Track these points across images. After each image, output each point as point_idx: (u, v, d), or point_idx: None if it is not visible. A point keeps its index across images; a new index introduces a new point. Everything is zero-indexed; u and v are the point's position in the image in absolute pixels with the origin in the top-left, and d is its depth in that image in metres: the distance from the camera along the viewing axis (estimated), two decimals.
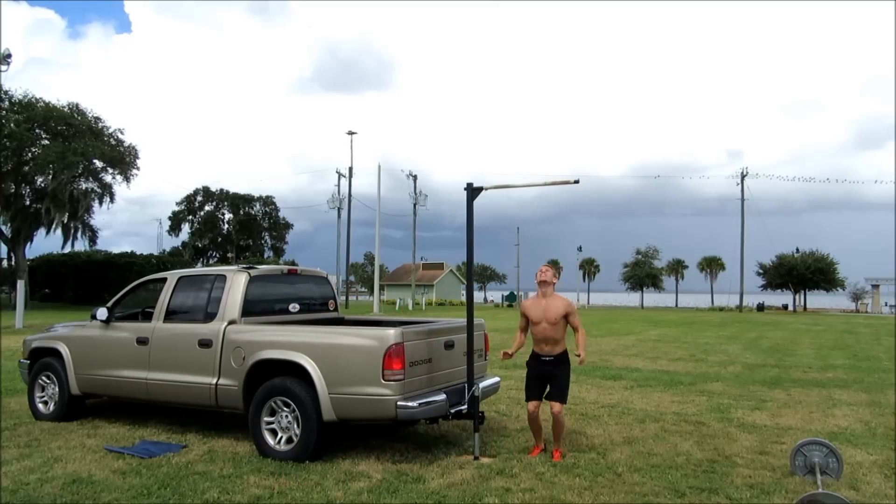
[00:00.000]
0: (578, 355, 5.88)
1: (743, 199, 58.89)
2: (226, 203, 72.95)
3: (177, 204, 71.78)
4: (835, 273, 61.05)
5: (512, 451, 6.01)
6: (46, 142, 37.39)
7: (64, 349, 7.25)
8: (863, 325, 30.08)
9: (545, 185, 6.02)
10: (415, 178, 57.62)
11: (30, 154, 37.23)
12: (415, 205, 58.01)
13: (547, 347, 5.95)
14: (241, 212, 72.97)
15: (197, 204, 72.40)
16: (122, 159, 39.73)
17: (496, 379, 7.02)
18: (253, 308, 6.47)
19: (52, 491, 4.87)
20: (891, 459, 5.94)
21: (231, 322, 6.26)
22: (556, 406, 5.82)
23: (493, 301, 79.65)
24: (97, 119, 39.77)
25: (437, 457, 5.81)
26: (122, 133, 40.29)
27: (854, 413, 8.10)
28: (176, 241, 72.97)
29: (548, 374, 5.95)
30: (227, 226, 73.06)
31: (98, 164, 39.45)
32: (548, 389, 5.94)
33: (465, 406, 5.82)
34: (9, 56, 29.48)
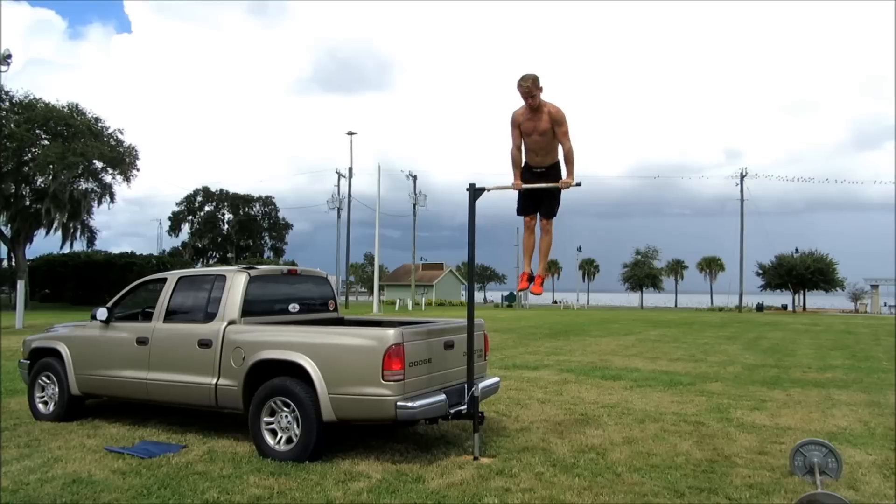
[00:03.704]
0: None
1: (742, 200, 59.02)
2: (226, 203, 72.98)
3: (177, 204, 71.94)
4: (834, 273, 61.14)
5: (512, 451, 6.02)
6: (46, 142, 37.40)
7: (64, 349, 7.26)
8: (862, 326, 30.08)
9: (547, 186, 6.01)
10: (414, 178, 57.70)
11: (30, 154, 37.25)
12: (414, 205, 58.08)
13: (538, 158, 6.02)
14: (241, 212, 72.99)
15: (197, 204, 72.44)
16: (122, 159, 39.76)
17: (496, 379, 7.03)
18: (253, 308, 6.47)
19: (52, 491, 4.87)
20: (890, 459, 5.95)
21: (231, 322, 6.26)
22: (545, 220, 6.13)
23: (492, 301, 79.68)
24: (97, 119, 39.85)
25: (437, 457, 5.82)
26: (121, 133, 40.42)
27: (853, 413, 8.11)
28: (176, 242, 73.09)
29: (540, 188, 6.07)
30: (226, 226, 73.07)
31: (98, 164, 39.46)
32: (540, 209, 6.15)
33: (465, 406, 5.82)
34: (9, 56, 29.40)
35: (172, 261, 49.04)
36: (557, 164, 6.03)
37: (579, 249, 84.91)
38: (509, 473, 5.32)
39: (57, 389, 7.25)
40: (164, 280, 7.06)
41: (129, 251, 49.88)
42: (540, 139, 5.90)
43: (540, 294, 6.50)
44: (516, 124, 5.98)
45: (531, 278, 6.37)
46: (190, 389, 6.28)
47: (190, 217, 72.38)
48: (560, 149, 5.99)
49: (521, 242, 6.51)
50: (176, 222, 71.69)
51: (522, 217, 6.31)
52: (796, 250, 62.69)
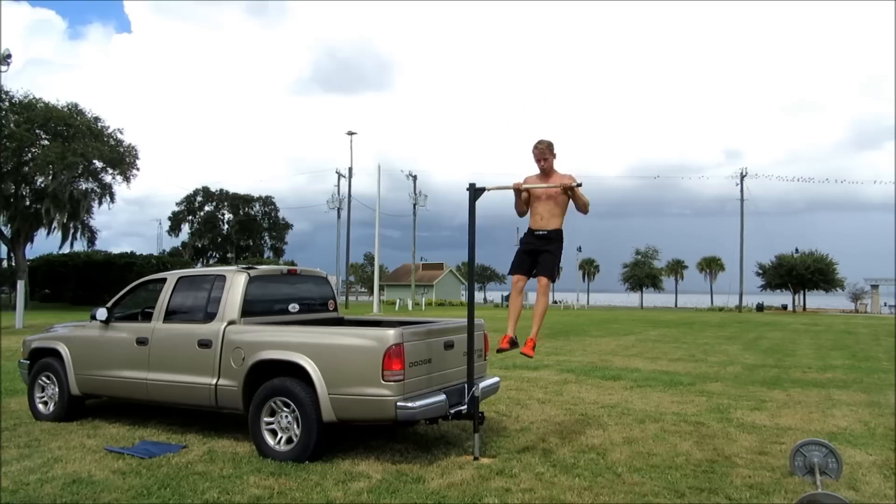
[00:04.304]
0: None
1: (742, 200, 59.08)
2: (225, 203, 73.02)
3: (177, 204, 72.01)
4: (834, 273, 61.21)
5: (512, 452, 6.02)
6: (46, 142, 37.42)
7: (64, 349, 7.25)
8: (862, 326, 30.09)
9: (547, 187, 6.01)
10: (414, 178, 57.70)
11: (30, 154, 37.26)
12: (414, 205, 58.08)
13: (542, 221, 6.03)
14: (241, 212, 73.03)
15: (197, 204, 72.49)
16: (122, 159, 39.80)
17: (496, 379, 7.03)
18: (252, 308, 6.47)
19: (52, 491, 4.87)
20: (890, 460, 5.95)
21: (231, 322, 6.26)
22: (543, 280, 5.97)
23: (492, 301, 79.67)
24: (96, 119, 39.88)
25: (437, 457, 5.82)
26: (121, 133, 40.44)
27: (853, 413, 8.11)
28: (176, 242, 73.17)
29: (539, 249, 6.05)
30: (226, 226, 73.11)
31: (98, 164, 39.48)
32: (537, 269, 6.05)
33: (465, 406, 5.82)
34: (9, 56, 29.38)
35: (172, 261, 49.05)
36: (560, 231, 6.07)
37: (579, 249, 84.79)
38: (509, 474, 5.32)
39: (57, 389, 7.25)
40: (163, 280, 7.06)
41: (129, 251, 49.94)
42: (546, 202, 6.00)
43: (532, 357, 6.31)
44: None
45: (514, 342, 6.03)
46: (190, 390, 6.28)
47: (190, 217, 72.44)
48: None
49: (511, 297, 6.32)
50: (176, 222, 71.75)
51: (511, 276, 6.21)
52: (796, 250, 62.78)
